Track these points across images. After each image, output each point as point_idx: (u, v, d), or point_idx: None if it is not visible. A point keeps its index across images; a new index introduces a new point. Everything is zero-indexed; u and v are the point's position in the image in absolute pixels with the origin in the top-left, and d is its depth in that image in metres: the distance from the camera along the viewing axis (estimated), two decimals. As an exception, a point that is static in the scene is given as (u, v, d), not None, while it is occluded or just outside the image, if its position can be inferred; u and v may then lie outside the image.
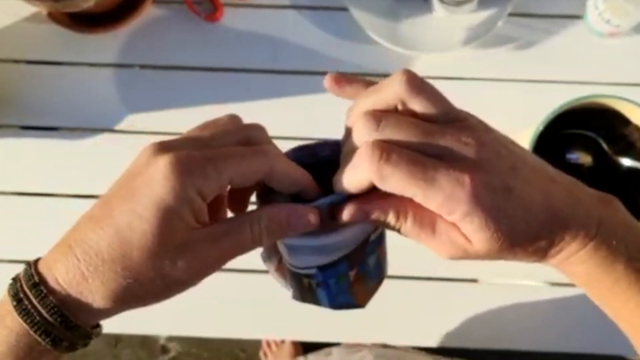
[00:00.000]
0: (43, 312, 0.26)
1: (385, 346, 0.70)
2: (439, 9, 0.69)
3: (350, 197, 0.29)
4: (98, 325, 0.30)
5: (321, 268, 0.32)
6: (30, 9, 0.72)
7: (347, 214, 0.28)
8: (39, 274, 0.27)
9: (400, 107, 0.28)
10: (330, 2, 0.73)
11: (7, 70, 0.73)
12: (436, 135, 0.27)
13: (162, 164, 0.27)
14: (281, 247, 0.32)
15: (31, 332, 0.27)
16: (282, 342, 1.39)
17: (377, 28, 0.70)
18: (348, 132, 0.29)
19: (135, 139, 0.72)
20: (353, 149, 0.28)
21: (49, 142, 0.72)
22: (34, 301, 0.26)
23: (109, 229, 0.27)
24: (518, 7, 0.71)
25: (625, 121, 0.62)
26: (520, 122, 0.65)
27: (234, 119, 0.32)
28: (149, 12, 0.72)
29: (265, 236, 0.28)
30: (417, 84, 0.28)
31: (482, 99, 0.72)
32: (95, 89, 0.73)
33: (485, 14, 0.70)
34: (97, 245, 0.27)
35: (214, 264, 0.28)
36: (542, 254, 0.29)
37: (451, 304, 0.70)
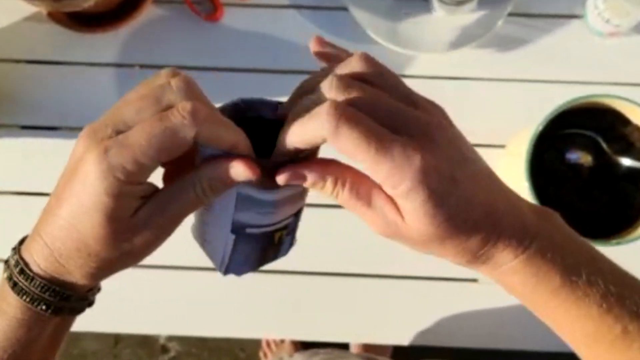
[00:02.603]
0: (36, 290, 0.29)
1: (369, 358, 0.70)
2: (438, 9, 0.69)
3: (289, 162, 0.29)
4: (93, 287, 0.33)
5: (296, 214, 0.33)
6: (30, 9, 0.72)
7: (285, 175, 0.29)
8: (22, 259, 0.30)
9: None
10: (330, 2, 0.73)
11: (7, 70, 0.73)
12: (399, 110, 0.27)
13: (89, 165, 0.27)
14: (243, 215, 0.31)
15: (32, 307, 0.29)
16: (282, 342, 1.39)
17: (377, 28, 0.70)
18: (305, 89, 0.30)
19: (135, 139, 0.72)
20: (312, 106, 0.28)
21: (49, 142, 0.72)
22: (25, 283, 0.29)
23: (65, 223, 0.28)
24: (518, 7, 0.71)
25: (625, 121, 0.62)
26: (520, 122, 0.65)
27: (166, 77, 0.29)
28: (149, 12, 0.72)
29: (209, 193, 0.29)
30: (376, 63, 0.29)
31: (482, 99, 0.72)
32: (95, 89, 0.73)
33: (485, 14, 0.70)
34: (60, 237, 0.29)
35: (169, 228, 0.30)
36: (470, 255, 0.29)
37: (451, 304, 0.70)
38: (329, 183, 0.29)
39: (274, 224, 0.33)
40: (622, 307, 0.30)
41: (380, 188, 0.28)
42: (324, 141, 0.27)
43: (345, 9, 0.71)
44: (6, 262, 0.31)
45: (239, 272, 0.35)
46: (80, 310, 0.32)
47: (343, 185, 0.28)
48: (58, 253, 0.29)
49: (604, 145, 0.62)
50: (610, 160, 0.62)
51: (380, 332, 0.71)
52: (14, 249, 0.31)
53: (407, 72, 0.72)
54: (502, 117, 0.72)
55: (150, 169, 0.27)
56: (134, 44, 0.73)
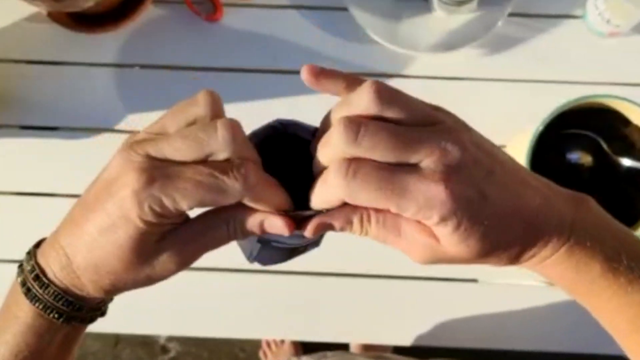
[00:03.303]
0: (49, 298, 0.29)
1: (378, 357, 0.70)
2: (438, 9, 0.69)
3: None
4: (106, 299, 0.33)
5: None
6: (30, 9, 0.72)
7: (312, 229, 0.28)
8: (38, 264, 0.30)
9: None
10: (330, 2, 0.73)
11: (7, 70, 0.73)
12: (414, 143, 0.26)
13: (128, 190, 0.27)
14: (270, 235, 0.32)
15: (44, 314, 0.29)
16: (282, 342, 1.39)
17: (377, 28, 0.70)
18: (323, 140, 0.28)
19: (135, 139, 0.72)
20: (327, 161, 0.27)
21: (49, 142, 0.72)
22: (39, 290, 0.29)
23: (90, 238, 0.28)
24: (518, 7, 0.71)
25: (625, 121, 0.62)
26: (520, 122, 0.65)
27: (206, 108, 0.28)
28: (149, 12, 0.72)
29: (240, 235, 0.29)
30: (386, 95, 0.27)
31: (482, 99, 0.72)
32: (95, 89, 0.73)
33: (485, 14, 0.70)
34: (82, 251, 0.28)
35: (192, 259, 0.30)
36: (514, 260, 0.29)
37: (451, 304, 0.70)
38: (356, 224, 0.28)
39: (300, 244, 0.33)
40: None
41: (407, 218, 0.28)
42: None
43: (345, 9, 0.71)
44: (20, 265, 0.31)
45: (264, 264, 0.36)
46: (92, 320, 0.33)
47: (369, 221, 0.28)
48: (77, 265, 0.29)
49: (604, 146, 0.62)
50: (611, 161, 0.62)
51: (380, 332, 0.71)
52: (28, 253, 0.31)
53: (407, 72, 0.72)
54: (502, 117, 0.72)
55: (187, 211, 0.28)
56: (134, 44, 0.73)
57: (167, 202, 0.26)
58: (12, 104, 0.73)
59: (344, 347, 1.34)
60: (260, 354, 1.42)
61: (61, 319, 0.30)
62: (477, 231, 0.27)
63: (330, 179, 0.26)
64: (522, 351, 0.69)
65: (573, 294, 0.32)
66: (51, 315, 0.30)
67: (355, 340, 0.73)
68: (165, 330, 0.74)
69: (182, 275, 0.78)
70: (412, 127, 0.27)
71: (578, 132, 0.63)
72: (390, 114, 0.26)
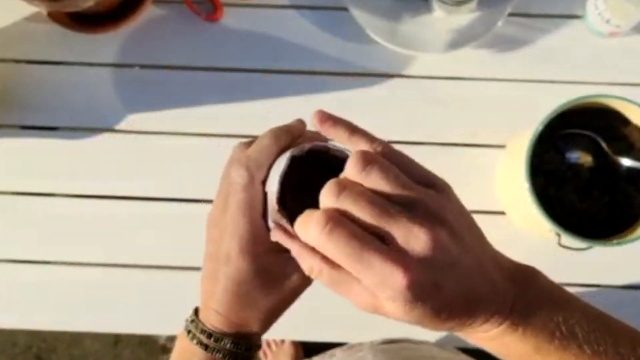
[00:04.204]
0: (226, 347, 0.35)
1: (385, 341, 0.70)
2: (438, 9, 0.69)
3: None
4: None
5: None
6: (30, 9, 0.72)
7: (281, 239, 0.32)
8: (206, 327, 0.36)
9: None
10: (330, 2, 0.73)
11: (7, 70, 0.73)
12: (389, 219, 0.27)
13: (233, 254, 0.34)
14: None
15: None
16: (282, 342, 1.39)
17: (377, 28, 0.70)
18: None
19: (135, 139, 0.72)
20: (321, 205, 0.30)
21: (49, 142, 0.72)
22: (215, 343, 0.35)
23: (224, 294, 0.35)
24: (518, 7, 0.71)
25: (625, 121, 0.62)
26: (520, 122, 0.65)
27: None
28: (149, 12, 0.72)
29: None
30: (364, 164, 0.28)
31: (482, 99, 0.72)
32: (95, 89, 0.73)
33: (485, 14, 0.70)
34: (230, 306, 0.35)
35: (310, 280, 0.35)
36: (447, 329, 0.31)
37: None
38: (308, 270, 0.30)
39: None
40: None
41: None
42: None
43: (345, 9, 0.71)
44: (189, 332, 0.37)
45: None
46: (252, 355, 0.37)
47: (321, 275, 0.30)
48: (233, 319, 0.35)
49: (604, 146, 0.62)
50: (611, 161, 0.62)
51: (380, 332, 0.71)
52: (192, 321, 0.37)
53: (407, 72, 0.72)
54: (502, 117, 0.72)
55: None
56: (134, 44, 0.73)
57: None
58: (12, 104, 0.73)
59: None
60: (260, 354, 1.42)
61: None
62: (421, 309, 0.28)
63: (310, 225, 0.28)
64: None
65: None
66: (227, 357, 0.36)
67: (355, 340, 0.73)
68: (165, 330, 0.74)
69: (182, 276, 0.78)
70: (393, 202, 0.28)
71: (578, 132, 0.63)
72: (369, 183, 0.28)
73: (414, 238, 0.27)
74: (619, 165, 0.62)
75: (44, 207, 0.71)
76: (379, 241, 0.27)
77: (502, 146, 0.71)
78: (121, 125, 0.72)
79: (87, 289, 0.70)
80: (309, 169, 0.32)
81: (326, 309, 0.71)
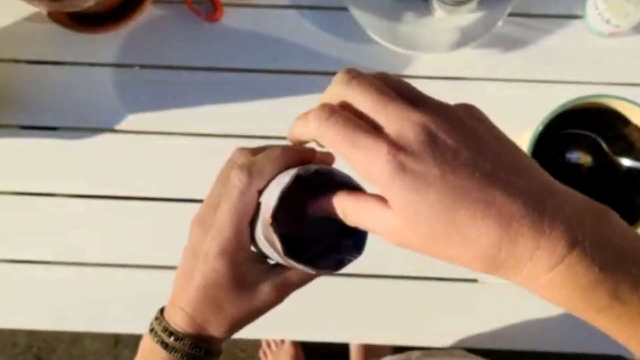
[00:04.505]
0: (185, 348, 0.35)
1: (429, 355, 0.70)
2: (438, 9, 0.69)
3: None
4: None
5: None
6: (30, 9, 0.72)
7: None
8: (169, 325, 0.36)
9: None
10: (330, 2, 0.73)
11: (7, 70, 0.73)
12: (387, 104, 0.27)
13: (212, 254, 0.34)
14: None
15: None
16: (282, 342, 1.39)
17: (377, 28, 0.70)
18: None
19: (135, 139, 0.72)
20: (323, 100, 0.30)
21: (49, 142, 0.72)
22: (176, 343, 0.36)
23: (200, 294, 0.35)
24: (518, 7, 0.71)
25: (625, 121, 0.62)
26: (520, 122, 0.65)
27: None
28: (149, 12, 0.72)
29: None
30: (350, 77, 0.29)
31: (482, 99, 0.72)
32: (95, 89, 0.73)
33: (485, 14, 0.70)
34: (198, 305, 0.35)
35: (286, 294, 0.37)
36: (485, 259, 0.25)
37: (451, 304, 0.70)
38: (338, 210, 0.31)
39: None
40: None
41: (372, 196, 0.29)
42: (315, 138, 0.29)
43: (345, 9, 0.71)
44: (152, 329, 0.37)
45: None
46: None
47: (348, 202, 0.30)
48: (199, 319, 0.35)
49: (604, 145, 0.62)
50: (611, 161, 0.62)
51: (380, 332, 0.71)
52: (157, 318, 0.38)
53: (407, 72, 0.72)
54: (502, 117, 0.71)
55: None
56: (134, 44, 0.73)
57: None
58: (12, 104, 0.73)
59: (344, 347, 1.34)
60: (260, 354, 1.42)
61: None
62: (426, 195, 0.25)
63: (310, 115, 0.29)
64: (522, 351, 0.69)
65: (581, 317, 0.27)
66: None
67: (355, 340, 0.73)
68: (165, 330, 0.74)
69: (182, 275, 0.76)
70: (398, 96, 0.28)
71: (578, 132, 0.63)
72: (352, 94, 0.28)
73: (401, 129, 0.26)
74: (619, 165, 0.62)
75: (44, 207, 0.71)
76: (374, 129, 0.27)
77: (502, 146, 0.71)
78: (121, 125, 0.72)
79: (87, 289, 0.70)
80: (308, 190, 0.32)
81: (326, 309, 0.71)
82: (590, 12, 0.70)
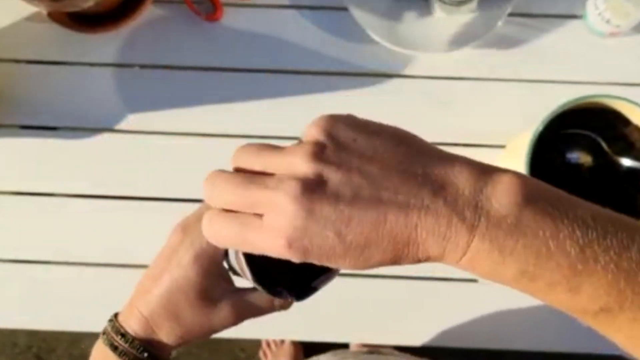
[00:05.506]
0: (134, 351, 0.35)
1: (371, 351, 0.70)
2: (438, 9, 0.69)
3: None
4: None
5: None
6: (30, 9, 0.72)
7: None
8: (121, 326, 0.36)
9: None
10: (330, 2, 0.73)
11: (7, 70, 0.73)
12: (252, 194, 0.28)
13: (186, 260, 0.35)
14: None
15: None
16: (282, 342, 1.39)
17: (377, 28, 0.70)
18: None
19: (135, 139, 0.72)
20: None
21: (49, 142, 0.72)
22: (125, 345, 0.36)
23: (161, 299, 0.35)
24: (518, 7, 0.71)
25: (625, 121, 0.62)
26: (520, 122, 0.65)
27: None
28: (149, 12, 0.72)
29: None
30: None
31: (482, 99, 0.72)
32: (95, 89, 0.73)
33: (485, 14, 0.70)
34: (155, 308, 0.35)
35: (246, 317, 0.39)
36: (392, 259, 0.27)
37: (451, 304, 0.70)
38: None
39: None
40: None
41: None
42: None
43: (345, 9, 0.71)
44: (104, 332, 0.37)
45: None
46: None
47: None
48: (153, 322, 0.35)
49: (604, 146, 0.62)
50: (611, 161, 0.62)
51: (380, 333, 0.71)
52: (110, 320, 0.37)
53: (407, 72, 0.72)
54: (502, 117, 0.72)
55: None
56: (134, 44, 0.73)
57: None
58: (12, 104, 0.73)
59: (344, 347, 1.34)
60: (260, 354, 1.43)
61: None
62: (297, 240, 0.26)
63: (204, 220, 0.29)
64: (521, 351, 0.69)
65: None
66: None
67: (355, 340, 0.73)
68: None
69: (182, 275, 0.76)
70: (253, 176, 0.28)
71: (578, 132, 0.63)
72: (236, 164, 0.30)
73: (273, 211, 0.27)
74: (619, 165, 0.62)
75: (44, 207, 0.71)
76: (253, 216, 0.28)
77: (502, 146, 0.71)
78: (121, 125, 0.72)
79: (87, 289, 0.70)
80: None
81: (326, 309, 0.71)
82: (590, 12, 0.70)
